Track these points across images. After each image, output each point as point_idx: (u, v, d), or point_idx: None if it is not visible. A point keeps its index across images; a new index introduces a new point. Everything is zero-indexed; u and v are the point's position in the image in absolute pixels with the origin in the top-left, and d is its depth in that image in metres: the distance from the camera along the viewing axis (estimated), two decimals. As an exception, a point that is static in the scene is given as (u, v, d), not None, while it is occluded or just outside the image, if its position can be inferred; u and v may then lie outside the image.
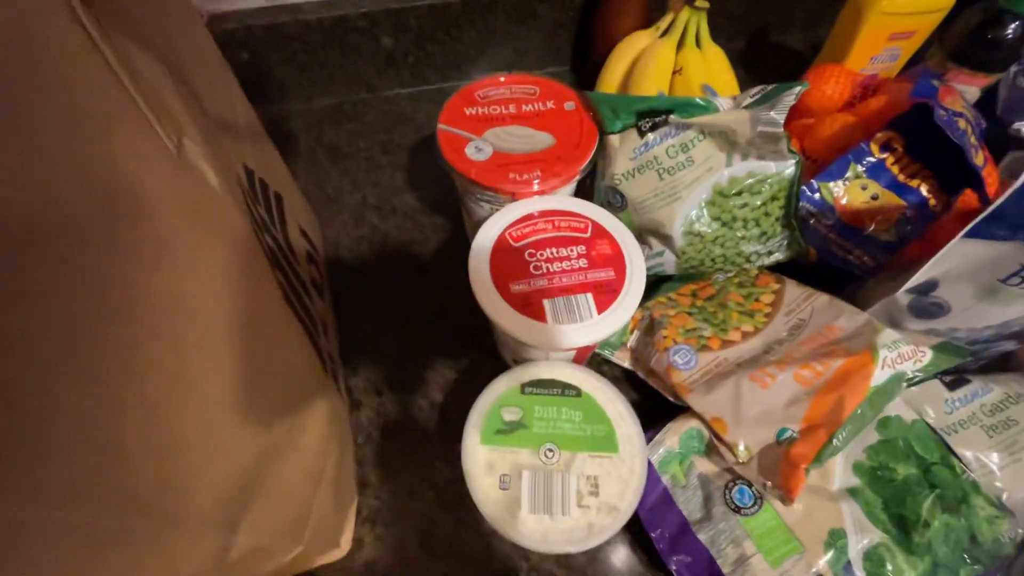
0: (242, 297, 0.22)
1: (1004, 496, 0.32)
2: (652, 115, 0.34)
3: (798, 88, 0.31)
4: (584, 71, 0.58)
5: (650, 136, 0.34)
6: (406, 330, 0.42)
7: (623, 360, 0.39)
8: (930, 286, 0.30)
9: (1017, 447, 0.33)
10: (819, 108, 0.47)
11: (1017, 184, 0.24)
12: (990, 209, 0.25)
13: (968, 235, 0.27)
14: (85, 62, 0.14)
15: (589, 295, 0.30)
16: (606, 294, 0.30)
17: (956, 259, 0.28)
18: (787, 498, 0.27)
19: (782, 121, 0.31)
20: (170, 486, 0.17)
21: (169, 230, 0.17)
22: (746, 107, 0.32)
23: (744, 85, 0.59)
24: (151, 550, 0.17)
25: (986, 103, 0.49)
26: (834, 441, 0.28)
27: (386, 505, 0.35)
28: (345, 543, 0.33)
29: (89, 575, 0.15)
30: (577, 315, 0.30)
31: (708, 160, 0.34)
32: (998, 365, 0.39)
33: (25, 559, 0.12)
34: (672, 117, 0.33)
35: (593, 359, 0.40)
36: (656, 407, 0.35)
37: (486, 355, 0.41)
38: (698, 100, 0.33)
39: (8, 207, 0.12)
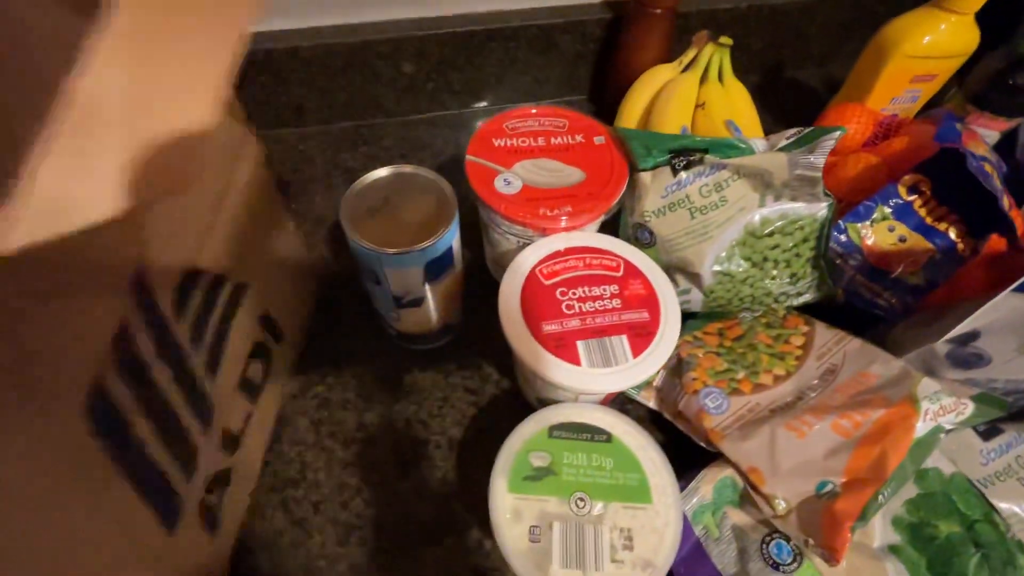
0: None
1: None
2: (686, 153, 0.33)
3: (837, 133, 0.31)
4: (602, 102, 0.58)
5: (683, 174, 0.34)
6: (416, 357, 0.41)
7: (648, 400, 0.37)
8: (971, 336, 0.30)
9: (1056, 502, 0.32)
10: (841, 147, 0.47)
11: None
12: (1044, 266, 0.25)
13: (1018, 290, 0.26)
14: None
15: (624, 337, 0.30)
16: (641, 336, 0.30)
17: (1003, 312, 0.28)
18: (832, 559, 0.26)
19: (821, 165, 0.30)
20: None
21: None
22: (781, 149, 0.32)
23: (761, 121, 0.60)
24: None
25: (1004, 146, 0.49)
26: (879, 498, 0.27)
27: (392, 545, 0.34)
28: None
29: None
30: (612, 358, 0.29)
31: (741, 200, 0.34)
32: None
33: None
34: (707, 156, 0.33)
35: (616, 398, 0.39)
36: (682, 451, 0.34)
37: (505, 391, 0.40)
38: (735, 141, 0.33)
39: None
